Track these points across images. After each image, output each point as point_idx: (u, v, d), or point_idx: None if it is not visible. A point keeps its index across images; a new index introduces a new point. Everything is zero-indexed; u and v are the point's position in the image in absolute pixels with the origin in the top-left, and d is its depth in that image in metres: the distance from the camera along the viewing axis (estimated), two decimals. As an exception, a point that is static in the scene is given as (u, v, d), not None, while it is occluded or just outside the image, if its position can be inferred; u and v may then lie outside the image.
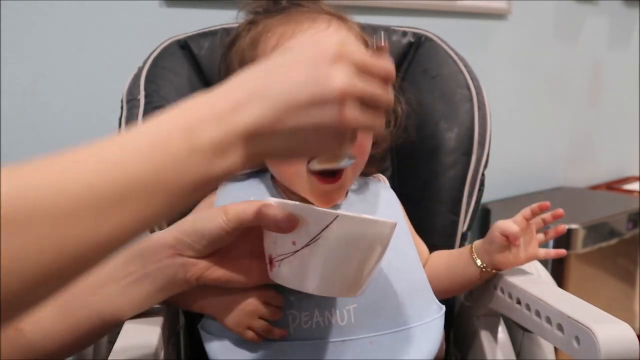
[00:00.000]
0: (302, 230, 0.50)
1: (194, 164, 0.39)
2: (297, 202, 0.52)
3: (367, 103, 0.44)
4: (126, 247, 0.38)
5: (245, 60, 0.67)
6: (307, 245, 0.50)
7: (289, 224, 0.50)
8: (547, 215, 0.67)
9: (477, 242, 0.68)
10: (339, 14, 0.70)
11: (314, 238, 0.49)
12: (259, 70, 0.43)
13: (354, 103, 0.43)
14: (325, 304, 0.60)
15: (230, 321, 0.59)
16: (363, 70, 0.44)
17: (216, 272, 0.55)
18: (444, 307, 0.66)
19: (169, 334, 0.63)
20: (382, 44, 0.47)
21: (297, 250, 0.50)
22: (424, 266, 0.69)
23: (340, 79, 0.42)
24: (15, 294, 0.32)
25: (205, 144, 0.39)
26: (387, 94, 0.46)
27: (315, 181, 0.62)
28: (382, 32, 0.47)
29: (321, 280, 0.51)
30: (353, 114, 0.43)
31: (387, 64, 0.45)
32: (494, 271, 0.67)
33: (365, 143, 0.65)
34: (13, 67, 1.07)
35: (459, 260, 0.69)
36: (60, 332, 0.54)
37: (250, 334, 0.58)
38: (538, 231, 0.67)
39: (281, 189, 0.67)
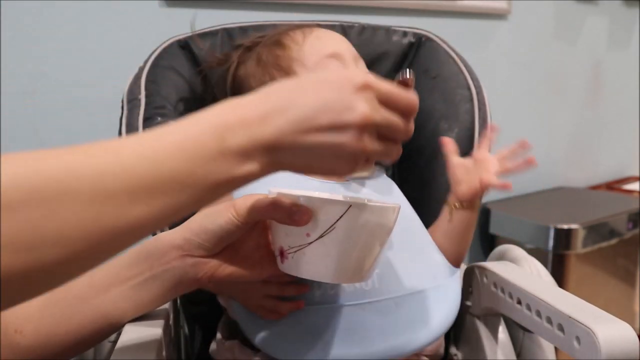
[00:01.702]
0: (315, 221, 0.50)
1: (221, 165, 0.42)
2: (309, 194, 0.52)
3: (385, 134, 0.47)
4: (141, 241, 0.42)
5: (270, 61, 0.73)
6: (321, 236, 0.50)
7: (304, 216, 0.50)
8: (514, 145, 0.71)
9: None
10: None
11: (328, 229, 0.50)
12: (288, 85, 0.46)
13: (371, 132, 0.46)
14: None
15: (243, 301, 0.61)
16: (387, 101, 0.47)
17: (227, 269, 0.55)
18: (457, 269, 0.70)
19: (170, 335, 0.63)
20: (408, 77, 0.50)
21: (312, 242, 0.51)
22: None
23: (363, 107, 0.45)
24: (58, 262, 0.36)
25: (233, 148, 0.42)
26: (406, 126, 0.48)
27: None
28: (408, 70, 0.51)
29: (336, 268, 0.51)
30: (370, 142, 0.46)
31: (411, 97, 0.48)
32: (463, 204, 0.70)
33: None
34: (13, 67, 1.07)
35: (441, 218, 0.73)
36: (62, 335, 0.53)
37: (262, 311, 0.60)
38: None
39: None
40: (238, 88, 0.76)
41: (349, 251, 0.51)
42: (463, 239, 0.73)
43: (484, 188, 0.68)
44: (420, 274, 0.67)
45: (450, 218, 0.71)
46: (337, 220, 0.50)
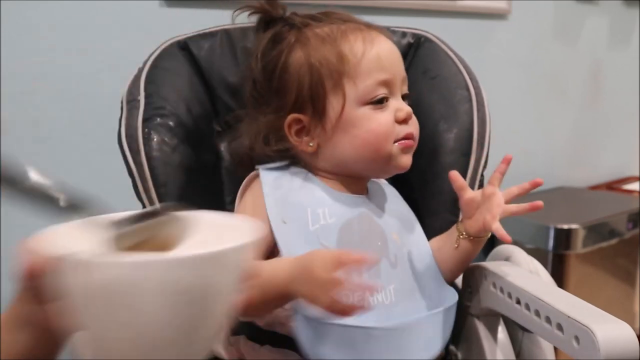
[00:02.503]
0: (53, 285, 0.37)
1: None
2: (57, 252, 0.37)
3: None
4: None
5: (324, 65, 0.69)
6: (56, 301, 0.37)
7: (33, 278, 0.38)
8: (525, 184, 0.72)
9: None
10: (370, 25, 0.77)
11: (63, 295, 0.37)
12: None
13: None
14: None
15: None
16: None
17: None
18: (456, 293, 0.71)
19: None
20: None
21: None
22: None
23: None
24: None
25: None
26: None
27: (399, 145, 0.69)
28: None
29: (96, 350, 0.38)
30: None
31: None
32: (470, 237, 0.70)
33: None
34: (13, 67, 1.07)
35: (448, 237, 0.73)
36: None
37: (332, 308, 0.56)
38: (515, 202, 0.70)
39: (320, 176, 0.71)
40: (284, 71, 0.72)
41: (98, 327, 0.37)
42: (463, 263, 0.74)
43: (487, 230, 0.68)
44: (428, 296, 0.70)
45: (457, 245, 0.71)
46: (71, 284, 0.35)
